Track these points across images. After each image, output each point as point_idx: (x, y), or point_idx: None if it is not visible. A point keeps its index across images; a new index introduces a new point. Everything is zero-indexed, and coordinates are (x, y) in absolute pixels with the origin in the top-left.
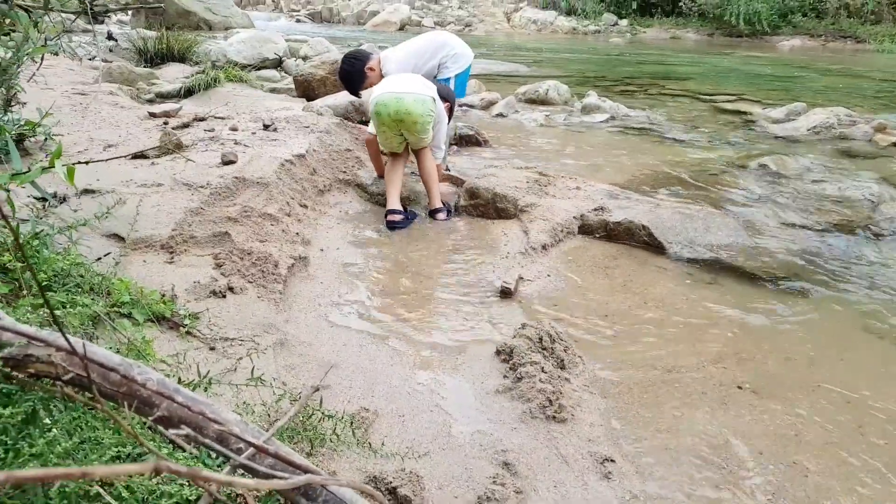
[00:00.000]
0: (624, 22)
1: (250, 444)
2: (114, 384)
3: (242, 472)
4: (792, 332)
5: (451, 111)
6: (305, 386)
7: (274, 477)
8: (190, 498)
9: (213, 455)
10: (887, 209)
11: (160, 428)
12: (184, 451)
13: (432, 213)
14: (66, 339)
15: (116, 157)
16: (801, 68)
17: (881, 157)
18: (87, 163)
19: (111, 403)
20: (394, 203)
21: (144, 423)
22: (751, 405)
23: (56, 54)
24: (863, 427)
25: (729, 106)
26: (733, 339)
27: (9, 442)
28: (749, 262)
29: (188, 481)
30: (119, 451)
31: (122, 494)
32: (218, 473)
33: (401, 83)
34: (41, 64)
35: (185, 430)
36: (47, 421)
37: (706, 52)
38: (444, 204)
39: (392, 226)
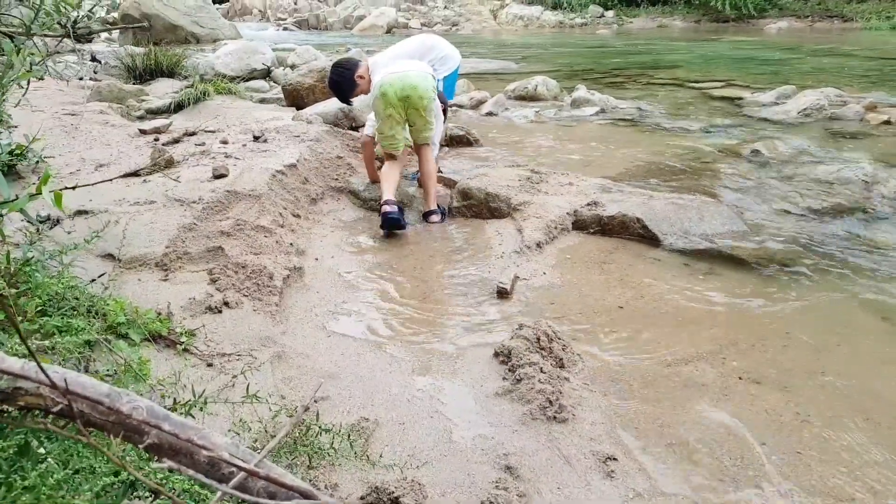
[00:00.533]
0: (610, 13)
1: (241, 468)
2: (103, 414)
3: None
4: (791, 319)
5: (444, 112)
6: (304, 398)
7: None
8: None
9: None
10: (882, 189)
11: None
12: (180, 474)
13: (426, 216)
14: (47, 376)
15: (104, 181)
16: (790, 50)
17: (873, 136)
18: (73, 188)
19: (103, 433)
20: (389, 195)
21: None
22: (752, 395)
23: (41, 79)
24: (868, 412)
25: (718, 92)
26: (732, 328)
27: (1, 476)
28: (745, 250)
29: None
30: (113, 480)
31: None
32: None
33: (401, 65)
34: (27, 89)
35: (168, 464)
36: (42, 451)
37: (693, 40)
38: (437, 206)
39: (388, 216)
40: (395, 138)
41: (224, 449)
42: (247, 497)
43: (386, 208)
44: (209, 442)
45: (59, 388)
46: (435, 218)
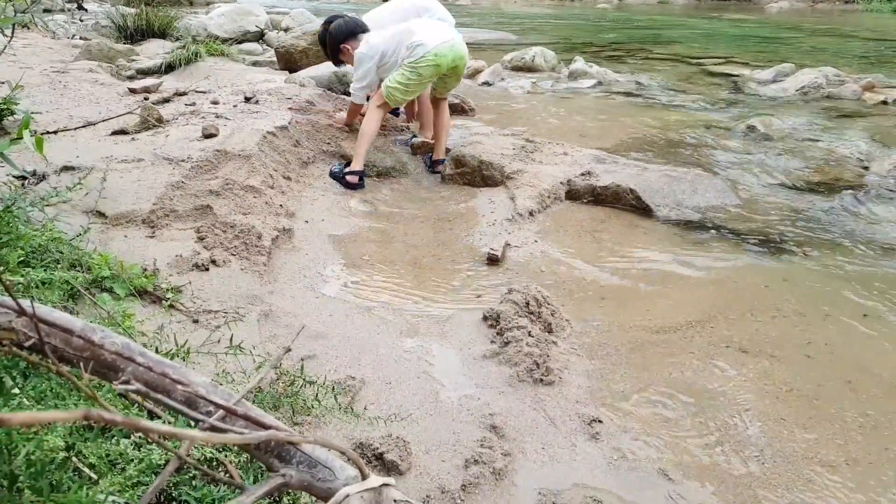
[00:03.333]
0: None
1: (218, 405)
2: (77, 349)
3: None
4: (780, 291)
5: None
6: (290, 355)
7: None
8: (159, 462)
9: (193, 423)
10: (876, 167)
11: (133, 396)
12: (159, 418)
13: (434, 164)
14: (15, 300)
15: (87, 126)
16: (790, 29)
17: (870, 115)
18: (55, 132)
19: (75, 370)
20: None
21: (119, 395)
22: (738, 363)
23: (27, 26)
24: (852, 383)
25: (717, 69)
26: (721, 299)
27: None
28: (736, 223)
29: (158, 445)
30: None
31: (91, 461)
32: (163, 425)
33: (443, 29)
34: (12, 37)
35: (136, 385)
36: (16, 391)
37: (694, 16)
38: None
39: (356, 187)
40: (418, 93)
41: (201, 386)
42: (220, 425)
43: (352, 180)
44: (185, 378)
45: (26, 312)
46: (442, 167)
